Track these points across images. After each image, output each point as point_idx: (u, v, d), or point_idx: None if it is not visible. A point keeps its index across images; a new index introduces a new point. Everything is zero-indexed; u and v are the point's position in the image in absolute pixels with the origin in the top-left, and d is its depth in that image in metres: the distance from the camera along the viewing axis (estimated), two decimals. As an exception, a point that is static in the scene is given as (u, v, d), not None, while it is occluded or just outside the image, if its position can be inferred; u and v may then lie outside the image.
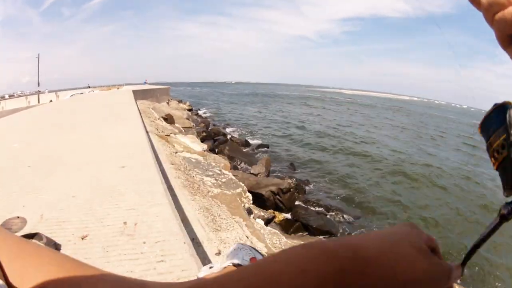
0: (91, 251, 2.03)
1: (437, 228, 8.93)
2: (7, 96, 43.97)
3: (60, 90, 45.34)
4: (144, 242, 2.15)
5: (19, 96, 42.91)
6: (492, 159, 0.37)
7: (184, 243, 2.17)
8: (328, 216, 8.53)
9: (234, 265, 1.13)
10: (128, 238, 2.20)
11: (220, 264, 1.17)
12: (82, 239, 2.18)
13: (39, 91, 41.48)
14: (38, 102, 32.08)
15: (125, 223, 2.42)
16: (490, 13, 0.37)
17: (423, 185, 13.11)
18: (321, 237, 6.98)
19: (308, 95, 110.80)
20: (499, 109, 0.38)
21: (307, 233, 7.32)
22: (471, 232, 8.64)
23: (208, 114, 32.59)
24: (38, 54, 43.75)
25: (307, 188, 11.01)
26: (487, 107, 0.39)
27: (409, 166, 16.01)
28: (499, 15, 0.36)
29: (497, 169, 0.37)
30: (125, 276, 0.96)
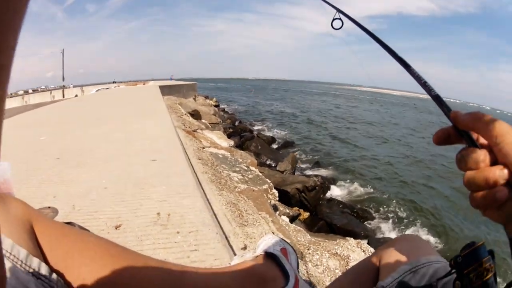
0: (126, 240, 2.15)
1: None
2: (31, 91, 45.80)
3: (85, 85, 47.05)
4: (178, 232, 2.26)
5: (43, 90, 44.62)
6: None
7: (216, 233, 2.27)
8: (353, 216, 8.60)
9: (266, 254, 1.21)
10: (162, 228, 2.32)
11: (252, 253, 1.26)
12: (116, 228, 2.31)
13: (64, 86, 43.34)
14: (63, 97, 33.40)
15: (158, 213, 2.54)
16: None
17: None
18: (345, 236, 7.18)
19: (335, 93, 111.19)
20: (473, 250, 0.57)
21: (330, 231, 7.42)
22: None
23: (234, 110, 33.08)
24: (63, 49, 46.08)
25: (332, 186, 11.20)
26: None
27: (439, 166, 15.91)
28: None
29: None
30: (165, 261, 1.06)
